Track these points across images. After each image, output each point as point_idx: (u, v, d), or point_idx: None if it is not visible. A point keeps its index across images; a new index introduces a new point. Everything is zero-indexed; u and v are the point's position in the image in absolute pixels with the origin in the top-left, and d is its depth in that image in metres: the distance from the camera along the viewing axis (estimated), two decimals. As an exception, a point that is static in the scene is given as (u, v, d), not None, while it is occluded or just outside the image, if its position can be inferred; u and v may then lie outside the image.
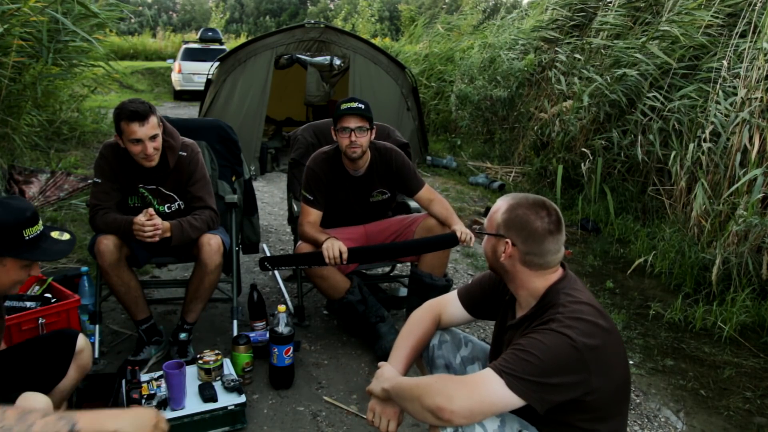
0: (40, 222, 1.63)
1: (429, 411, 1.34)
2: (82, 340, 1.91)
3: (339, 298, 2.67)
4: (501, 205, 1.52)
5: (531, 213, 1.46)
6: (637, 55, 5.30)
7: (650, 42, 5.35)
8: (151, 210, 2.39)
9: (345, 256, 2.43)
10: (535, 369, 1.31)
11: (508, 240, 1.47)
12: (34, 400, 1.50)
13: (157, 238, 2.39)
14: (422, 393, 1.36)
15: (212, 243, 2.49)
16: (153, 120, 2.40)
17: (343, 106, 2.59)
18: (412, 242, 2.70)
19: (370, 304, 2.73)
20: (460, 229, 2.59)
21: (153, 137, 2.41)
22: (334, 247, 2.43)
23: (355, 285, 2.68)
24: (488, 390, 1.32)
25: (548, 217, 1.46)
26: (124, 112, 2.36)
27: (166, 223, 2.42)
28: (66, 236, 1.72)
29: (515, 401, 1.32)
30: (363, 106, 2.60)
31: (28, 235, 1.58)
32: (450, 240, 2.59)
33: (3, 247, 1.54)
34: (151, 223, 2.36)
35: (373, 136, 2.70)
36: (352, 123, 2.57)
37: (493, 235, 1.51)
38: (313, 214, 2.70)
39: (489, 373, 1.34)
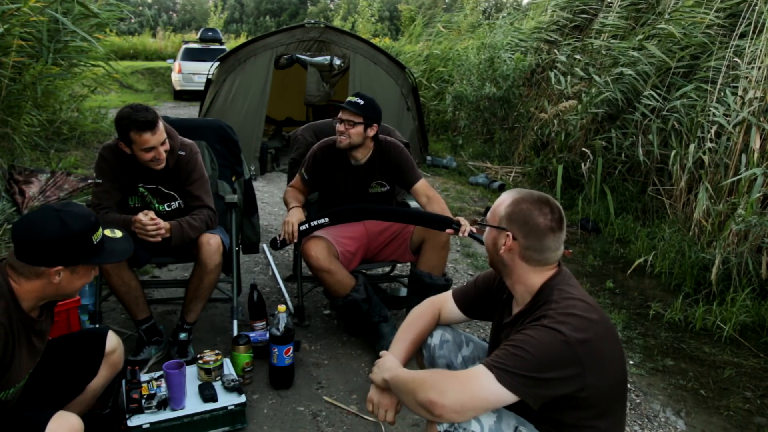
0: (100, 225, 1.68)
1: (421, 405, 1.35)
2: (113, 340, 1.93)
3: (344, 295, 2.67)
4: (505, 198, 1.53)
5: (534, 208, 1.47)
6: (634, 54, 5.30)
7: (647, 41, 5.34)
8: (151, 213, 2.40)
9: (295, 235, 2.64)
10: (527, 364, 1.31)
11: (509, 233, 1.48)
12: (69, 423, 1.50)
13: (159, 238, 2.40)
14: (416, 387, 1.38)
15: (211, 242, 2.50)
16: (161, 125, 2.43)
17: (347, 98, 2.75)
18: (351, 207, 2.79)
19: (374, 303, 2.74)
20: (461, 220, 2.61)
21: (163, 141, 2.45)
22: (289, 223, 2.66)
23: (360, 283, 2.69)
24: (479, 385, 1.32)
25: (551, 214, 1.47)
26: (133, 123, 2.36)
27: (167, 223, 2.43)
28: (118, 233, 1.76)
29: (507, 396, 1.32)
30: (361, 102, 2.71)
31: (95, 240, 1.63)
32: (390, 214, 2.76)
33: (78, 255, 1.59)
34: (153, 223, 2.37)
35: (371, 133, 2.77)
36: (344, 115, 2.72)
37: (495, 228, 1.52)
38: (299, 185, 2.94)
39: (480, 368, 1.34)
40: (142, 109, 2.40)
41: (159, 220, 2.40)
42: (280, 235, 2.75)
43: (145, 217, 2.37)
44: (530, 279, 1.49)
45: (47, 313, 1.72)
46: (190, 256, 2.59)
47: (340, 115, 2.73)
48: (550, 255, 1.48)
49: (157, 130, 2.40)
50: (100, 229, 1.65)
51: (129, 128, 2.37)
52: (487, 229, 1.55)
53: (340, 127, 2.72)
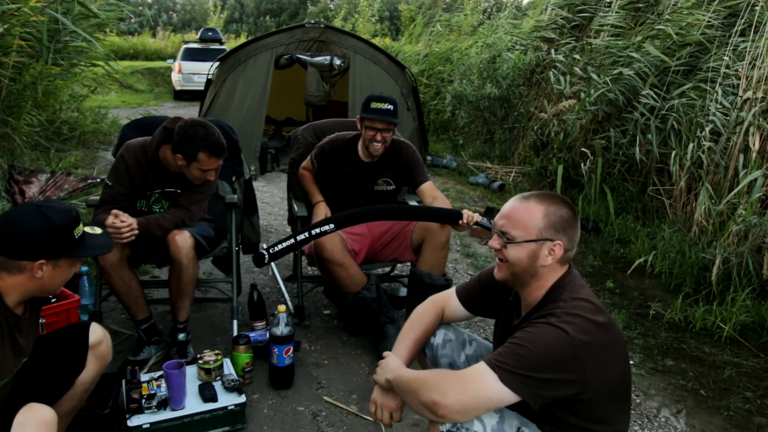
0: (81, 220, 1.68)
1: (424, 406, 1.35)
2: (98, 332, 1.90)
3: (354, 291, 2.66)
4: (532, 209, 1.47)
5: (563, 209, 1.47)
6: (633, 54, 5.30)
7: (646, 41, 5.34)
8: (115, 211, 2.35)
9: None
10: (529, 363, 1.31)
11: (559, 242, 1.45)
12: (38, 413, 1.48)
13: (133, 237, 2.36)
14: (419, 387, 1.37)
15: (177, 238, 2.46)
16: None
17: (373, 105, 2.73)
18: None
19: (383, 304, 2.74)
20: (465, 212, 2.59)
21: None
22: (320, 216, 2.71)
23: (372, 282, 2.69)
24: (482, 385, 1.32)
25: (568, 205, 1.49)
26: (209, 148, 2.36)
27: (135, 219, 2.40)
28: (98, 230, 1.77)
29: (509, 396, 1.31)
30: (392, 108, 2.72)
31: (77, 234, 1.64)
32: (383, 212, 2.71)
33: (60, 248, 1.59)
34: (126, 225, 2.33)
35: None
36: (381, 125, 2.72)
37: (536, 241, 1.45)
38: (310, 166, 2.97)
39: (483, 367, 1.34)
40: (215, 131, 2.39)
41: (131, 221, 2.36)
42: (270, 248, 2.55)
43: (116, 219, 2.32)
44: (548, 280, 1.49)
45: (32, 312, 1.71)
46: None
47: (374, 124, 2.71)
48: (575, 248, 1.51)
49: (224, 155, 2.43)
50: (81, 224, 1.67)
51: (200, 149, 2.36)
52: (520, 245, 1.46)
53: (376, 135, 2.72)
